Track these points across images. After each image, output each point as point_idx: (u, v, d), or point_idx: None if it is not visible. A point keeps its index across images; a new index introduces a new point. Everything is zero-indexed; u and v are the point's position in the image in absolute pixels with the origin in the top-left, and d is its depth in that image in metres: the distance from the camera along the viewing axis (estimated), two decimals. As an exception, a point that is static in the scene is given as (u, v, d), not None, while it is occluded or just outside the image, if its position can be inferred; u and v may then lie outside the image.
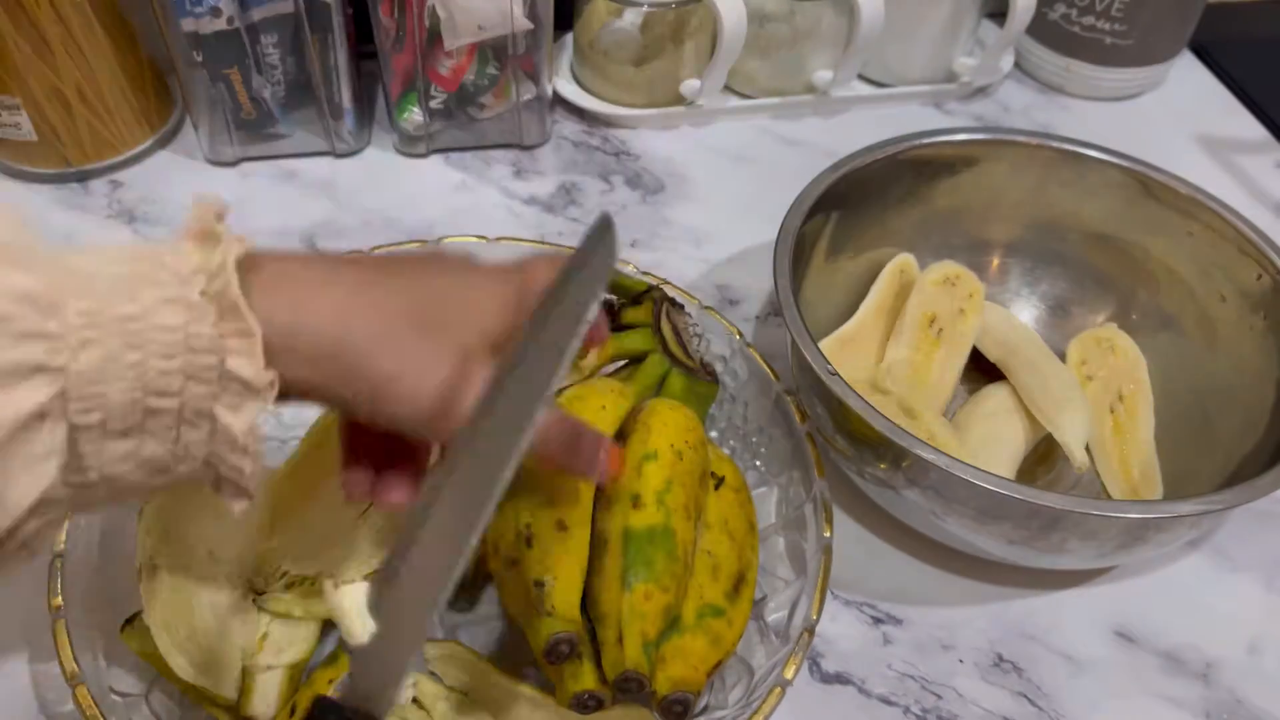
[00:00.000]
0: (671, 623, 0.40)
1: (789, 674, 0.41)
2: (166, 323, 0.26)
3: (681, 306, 0.52)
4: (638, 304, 0.51)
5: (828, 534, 0.45)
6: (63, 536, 0.41)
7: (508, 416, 0.31)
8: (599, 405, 0.44)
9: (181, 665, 0.40)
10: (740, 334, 0.52)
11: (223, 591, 0.43)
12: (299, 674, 0.43)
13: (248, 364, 0.27)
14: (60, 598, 0.40)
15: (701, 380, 0.50)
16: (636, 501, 0.40)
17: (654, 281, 0.53)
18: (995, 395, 0.55)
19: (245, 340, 0.27)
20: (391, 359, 0.30)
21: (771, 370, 0.51)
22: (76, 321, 0.25)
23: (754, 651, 0.45)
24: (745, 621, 0.42)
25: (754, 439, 0.52)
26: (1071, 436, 0.51)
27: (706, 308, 0.53)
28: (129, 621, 0.40)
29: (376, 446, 0.35)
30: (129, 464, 0.27)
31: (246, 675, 0.41)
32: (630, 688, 0.37)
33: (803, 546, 0.47)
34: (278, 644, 0.42)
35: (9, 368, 0.24)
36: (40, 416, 0.24)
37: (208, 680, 0.40)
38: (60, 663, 0.38)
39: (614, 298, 0.51)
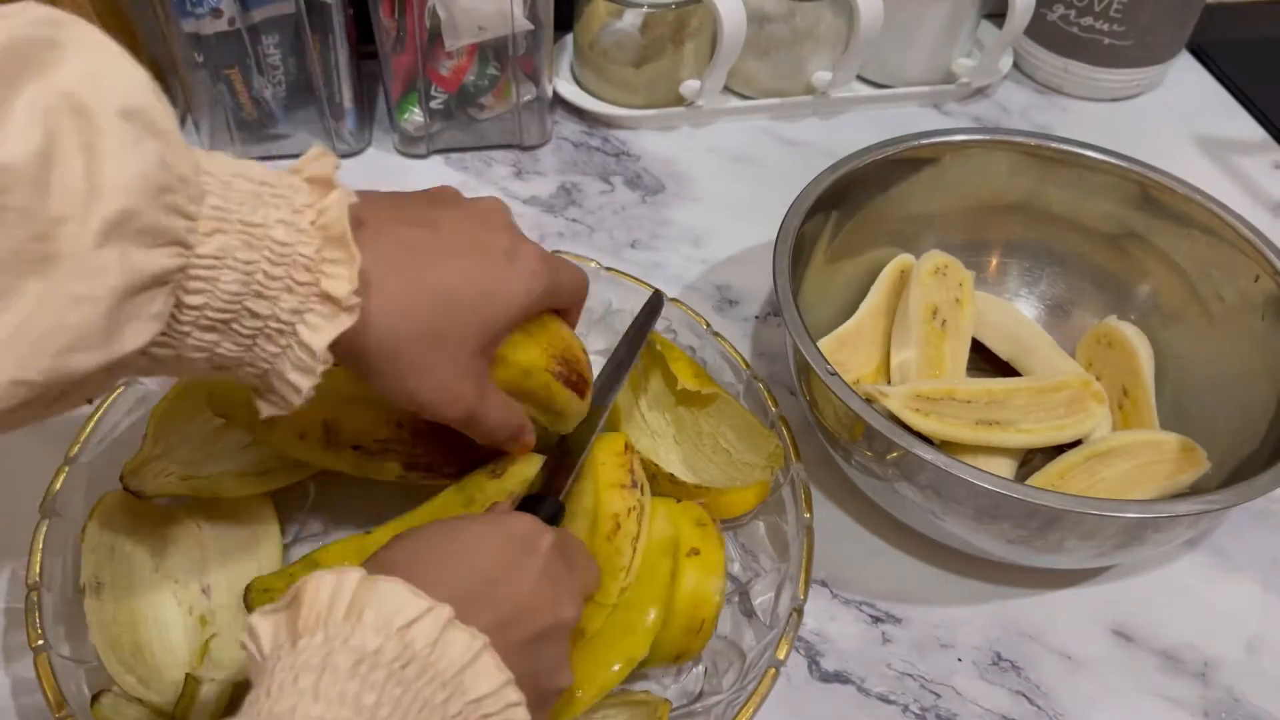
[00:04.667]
0: None
1: (781, 654, 0.41)
2: (278, 238, 0.30)
3: None
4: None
5: (808, 515, 0.45)
6: (37, 568, 0.41)
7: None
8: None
9: (130, 683, 0.40)
10: (708, 324, 0.52)
11: (167, 605, 0.44)
12: (240, 692, 0.42)
13: (342, 284, 0.31)
14: (40, 630, 0.39)
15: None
16: None
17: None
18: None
19: (342, 267, 0.31)
20: (412, 378, 0.36)
21: (740, 357, 0.51)
22: (210, 214, 0.29)
23: (743, 635, 0.45)
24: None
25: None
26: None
27: (673, 299, 0.53)
28: (96, 698, 0.40)
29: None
30: (203, 354, 0.31)
31: (190, 683, 0.41)
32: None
33: (783, 530, 0.47)
34: (218, 661, 0.42)
35: (158, 231, 0.27)
36: (163, 282, 0.28)
37: (153, 693, 0.41)
38: (45, 696, 0.38)
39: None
